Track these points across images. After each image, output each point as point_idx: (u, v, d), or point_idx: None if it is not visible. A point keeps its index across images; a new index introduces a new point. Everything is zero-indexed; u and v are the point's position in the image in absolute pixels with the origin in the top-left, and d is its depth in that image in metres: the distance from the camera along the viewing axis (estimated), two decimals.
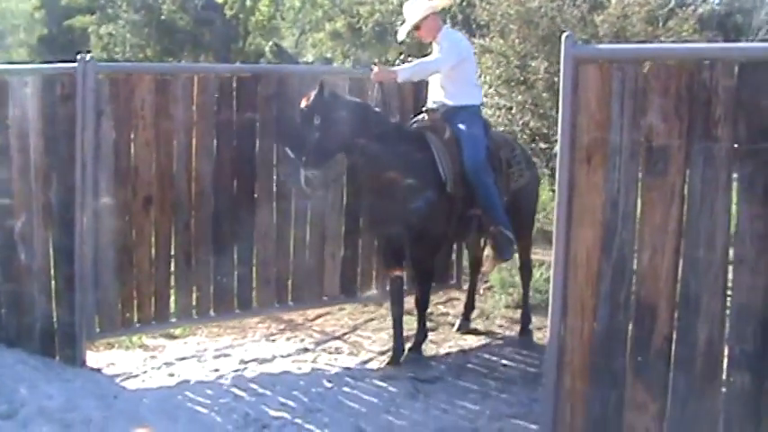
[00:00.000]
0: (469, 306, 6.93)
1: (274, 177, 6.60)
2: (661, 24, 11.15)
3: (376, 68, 6.04)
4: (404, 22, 6.34)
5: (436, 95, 6.22)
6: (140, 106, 5.92)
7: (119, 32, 27.41)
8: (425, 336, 6.18)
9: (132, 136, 5.97)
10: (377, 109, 6.08)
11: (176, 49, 28.04)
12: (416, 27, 6.18)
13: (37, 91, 5.83)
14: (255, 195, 6.56)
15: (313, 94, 5.64)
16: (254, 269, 6.65)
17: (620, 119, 3.84)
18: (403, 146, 5.91)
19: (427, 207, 5.80)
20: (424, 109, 6.31)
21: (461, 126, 5.99)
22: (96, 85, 5.70)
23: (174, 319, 6.42)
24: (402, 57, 6.24)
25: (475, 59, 6.57)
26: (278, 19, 25.36)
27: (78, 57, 5.69)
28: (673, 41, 10.90)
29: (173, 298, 6.38)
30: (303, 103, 5.71)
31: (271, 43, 26.09)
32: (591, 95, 3.92)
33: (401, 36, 6.58)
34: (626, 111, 3.83)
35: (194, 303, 6.42)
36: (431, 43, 6.36)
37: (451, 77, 6.09)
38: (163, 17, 27.33)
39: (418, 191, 5.80)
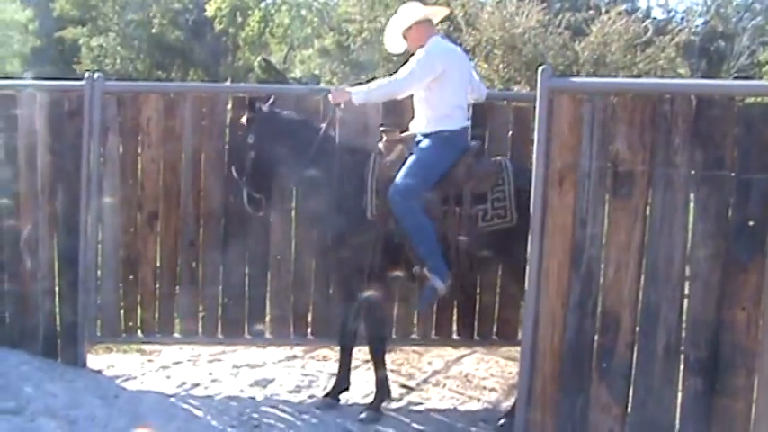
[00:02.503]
0: None
1: (293, 200, 6.06)
2: (639, 52, 11.50)
3: (332, 89, 5.45)
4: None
5: (415, 119, 5.40)
6: (146, 124, 6.02)
7: (109, 45, 27.59)
8: (385, 393, 5.49)
9: (139, 151, 6.10)
10: (317, 126, 5.41)
11: (167, 62, 28.26)
12: (405, 37, 5.35)
13: (45, 107, 6.07)
14: (271, 219, 6.08)
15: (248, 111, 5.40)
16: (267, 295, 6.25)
17: (590, 146, 4.21)
18: (336, 167, 5.26)
19: (343, 234, 5.22)
20: (381, 129, 5.45)
21: (416, 150, 5.17)
22: (103, 103, 5.94)
23: (178, 335, 6.31)
24: None
25: (466, 73, 5.33)
26: (267, 35, 25.56)
27: (86, 75, 5.97)
28: (650, 68, 11.29)
29: (176, 315, 6.30)
30: (243, 120, 5.47)
31: (259, 59, 26.31)
32: (563, 124, 4.29)
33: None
34: (595, 138, 4.20)
35: (200, 323, 6.28)
36: None
37: (426, 99, 5.22)
38: (154, 31, 27.54)
39: (338, 215, 5.21)
